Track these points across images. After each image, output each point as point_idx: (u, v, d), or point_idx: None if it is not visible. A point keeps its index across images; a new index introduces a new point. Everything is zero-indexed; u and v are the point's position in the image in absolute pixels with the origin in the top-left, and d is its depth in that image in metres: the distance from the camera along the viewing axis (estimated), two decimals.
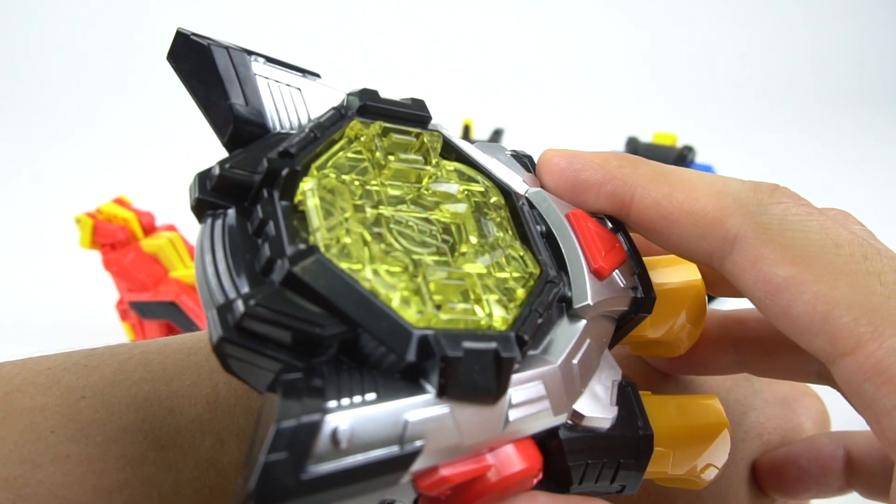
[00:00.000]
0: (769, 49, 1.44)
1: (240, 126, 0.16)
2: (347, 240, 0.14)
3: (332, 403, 0.12)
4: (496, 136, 0.66)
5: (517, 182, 0.19)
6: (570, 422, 0.16)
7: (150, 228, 0.53)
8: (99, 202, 0.54)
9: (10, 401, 0.17)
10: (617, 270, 0.18)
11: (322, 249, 0.14)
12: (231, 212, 0.15)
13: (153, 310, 0.51)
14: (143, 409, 0.18)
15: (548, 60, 1.37)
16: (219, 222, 0.14)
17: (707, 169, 0.60)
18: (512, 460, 0.15)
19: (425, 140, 0.18)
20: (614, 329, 0.18)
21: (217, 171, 0.15)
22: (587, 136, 1.03)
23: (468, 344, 0.14)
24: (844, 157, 1.11)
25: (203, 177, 0.15)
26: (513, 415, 0.15)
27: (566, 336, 0.17)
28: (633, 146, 0.62)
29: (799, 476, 0.24)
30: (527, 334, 0.15)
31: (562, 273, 0.17)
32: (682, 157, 0.60)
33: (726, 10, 1.47)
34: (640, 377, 0.24)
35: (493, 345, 0.14)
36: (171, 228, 0.54)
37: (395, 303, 0.14)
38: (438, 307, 0.15)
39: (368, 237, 0.15)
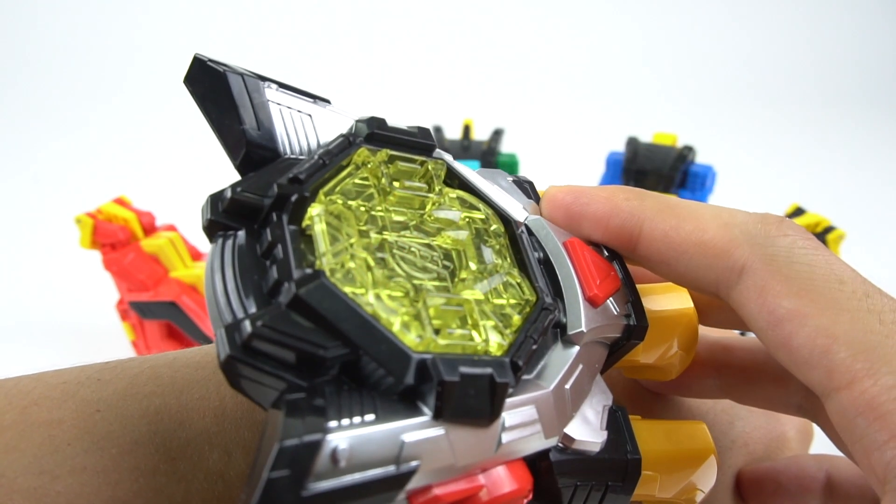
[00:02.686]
0: (769, 49, 1.44)
1: (252, 150, 0.17)
2: (352, 265, 0.15)
3: (333, 423, 0.13)
4: (496, 136, 0.66)
5: (517, 209, 0.20)
6: (560, 444, 0.17)
7: (150, 228, 0.53)
8: (99, 202, 0.54)
9: (28, 414, 0.18)
10: (611, 298, 0.18)
11: (327, 274, 0.14)
12: (241, 233, 0.15)
13: (153, 310, 0.51)
14: (155, 422, 0.18)
15: (548, 61, 1.37)
16: (229, 243, 0.15)
17: (707, 169, 0.60)
18: (503, 481, 0.15)
19: (429, 168, 0.18)
20: (607, 354, 0.19)
21: (229, 193, 0.15)
22: (587, 136, 1.03)
23: (464, 369, 0.14)
24: (844, 157, 1.11)
25: (215, 199, 0.15)
26: (505, 437, 0.15)
27: (559, 361, 0.17)
28: (633, 146, 0.62)
29: (777, 491, 0.24)
30: (521, 360, 0.15)
31: (557, 300, 0.18)
32: (682, 157, 0.60)
33: (726, 10, 1.47)
34: (628, 393, 0.24)
35: (488, 370, 0.14)
36: (171, 228, 0.54)
37: (396, 327, 0.15)
38: (437, 332, 0.15)
39: (372, 262, 0.16)
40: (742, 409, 0.26)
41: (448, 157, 0.19)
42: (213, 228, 0.15)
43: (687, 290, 0.21)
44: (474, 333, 0.16)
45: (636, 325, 0.19)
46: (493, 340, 0.16)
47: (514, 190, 0.21)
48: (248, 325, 0.13)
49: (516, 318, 0.17)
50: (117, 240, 0.51)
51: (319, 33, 1.33)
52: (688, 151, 0.60)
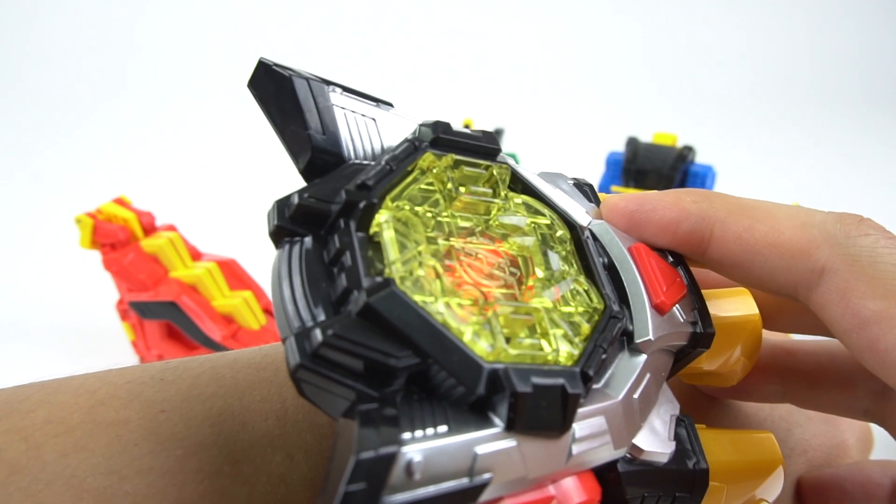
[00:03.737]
0: (769, 49, 1.44)
1: (316, 155, 0.17)
2: (420, 272, 0.15)
3: (407, 435, 0.13)
4: (496, 135, 0.66)
5: (580, 213, 0.19)
6: (629, 455, 0.17)
7: (150, 228, 0.53)
8: (99, 202, 0.54)
9: (96, 413, 0.18)
10: (678, 305, 0.18)
11: (397, 282, 0.14)
12: (308, 240, 0.15)
13: (153, 310, 0.51)
14: (218, 424, 0.18)
15: (548, 60, 1.37)
16: (296, 249, 0.15)
17: (707, 169, 0.60)
18: (573, 492, 0.15)
19: (494, 172, 0.18)
20: (672, 362, 0.19)
21: (296, 199, 0.15)
22: (587, 136, 1.03)
23: (536, 380, 0.14)
24: (845, 157, 1.11)
25: (282, 204, 0.15)
26: (576, 448, 0.15)
27: (627, 370, 0.17)
28: (633, 146, 0.62)
29: (842, 499, 0.24)
30: (591, 370, 0.15)
31: (623, 307, 0.18)
32: (682, 157, 0.60)
33: (726, 9, 1.47)
34: (686, 400, 0.24)
35: (560, 381, 0.14)
36: (171, 228, 0.54)
37: (467, 337, 0.14)
38: (507, 340, 0.15)
39: (440, 270, 0.15)
40: (801, 416, 0.26)
41: (512, 161, 0.19)
42: (279, 234, 0.15)
43: (751, 294, 0.21)
44: (544, 343, 0.16)
45: (703, 333, 0.18)
46: (564, 350, 0.16)
47: (575, 193, 0.20)
48: (318, 334, 0.13)
49: (585, 327, 0.16)
50: (117, 240, 0.51)
51: (317, 30, 1.33)
52: (688, 151, 0.60)
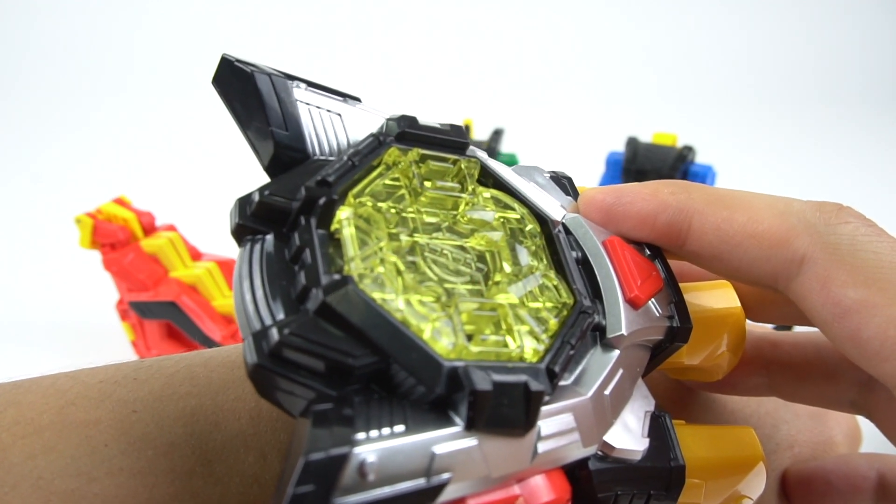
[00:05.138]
0: (769, 49, 1.44)
1: (280, 152, 0.16)
2: (381, 269, 0.15)
3: (361, 435, 0.13)
4: (496, 135, 0.66)
5: (554, 207, 0.19)
6: (600, 452, 0.16)
7: (150, 228, 0.53)
8: (99, 202, 0.54)
9: (66, 414, 0.18)
10: (653, 299, 0.18)
11: (356, 279, 0.14)
12: (269, 237, 0.15)
13: (153, 310, 0.51)
14: (191, 424, 0.18)
15: (548, 60, 1.37)
16: (257, 247, 0.15)
17: (707, 169, 0.60)
18: (540, 490, 0.15)
19: (462, 167, 0.18)
20: (649, 357, 0.18)
21: (257, 197, 0.15)
22: (587, 136, 1.03)
23: (498, 377, 0.14)
24: (844, 157, 1.11)
25: (243, 202, 0.15)
26: (542, 447, 0.15)
27: (599, 366, 0.17)
28: (633, 146, 0.62)
29: (826, 491, 0.23)
30: (557, 367, 0.15)
31: (596, 302, 0.17)
32: (682, 157, 0.60)
33: (726, 9, 1.47)
34: (670, 395, 0.24)
35: (522, 378, 0.14)
36: (171, 228, 0.54)
37: (427, 334, 0.14)
38: (470, 338, 0.15)
39: (402, 266, 0.15)
40: (787, 412, 0.25)
41: (482, 155, 0.19)
42: (241, 232, 0.15)
43: (732, 287, 0.21)
44: (508, 339, 0.15)
45: (679, 328, 0.18)
46: (529, 346, 0.15)
47: (551, 187, 0.20)
48: (275, 333, 0.13)
49: (553, 323, 0.16)
50: (117, 240, 0.51)
51: (317, 32, 1.33)
52: (688, 151, 0.60)
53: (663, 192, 0.18)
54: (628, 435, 0.17)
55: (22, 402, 0.18)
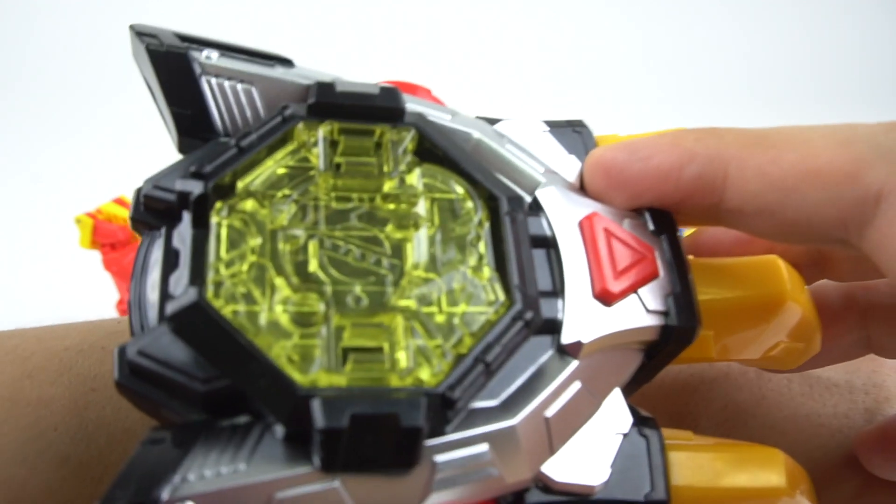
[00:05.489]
0: (769, 49, 1.44)
1: (184, 133, 0.15)
2: (246, 277, 0.13)
3: (178, 478, 0.11)
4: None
5: (527, 177, 0.16)
6: (540, 484, 0.14)
7: None
8: (99, 202, 0.54)
9: (19, 389, 0.17)
10: (640, 291, 0.15)
11: (210, 291, 0.12)
12: (162, 232, 0.14)
13: None
14: None
15: (547, 60, 1.37)
16: (144, 245, 0.14)
17: None
18: None
19: (388, 139, 0.15)
20: (640, 361, 0.15)
21: (142, 191, 0.14)
22: None
23: (358, 410, 0.11)
24: None
25: (137, 193, 0.14)
26: (438, 481, 0.12)
27: (544, 379, 0.14)
28: None
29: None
30: (459, 391, 0.12)
31: (558, 297, 0.14)
32: None
33: (726, 9, 1.47)
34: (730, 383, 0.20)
35: (393, 411, 0.12)
36: None
37: (284, 355, 0.12)
38: (346, 356, 0.13)
39: (273, 273, 0.13)
40: (888, 406, 0.21)
41: (432, 120, 0.16)
42: (137, 227, 0.14)
43: (781, 262, 0.17)
44: (399, 357, 0.13)
45: (677, 327, 0.15)
46: (427, 367, 0.13)
47: (547, 145, 0.17)
48: (130, 350, 0.12)
49: (468, 335, 0.13)
50: (117, 240, 0.51)
51: (312, 28, 1.33)
52: None
53: (687, 139, 0.15)
54: (579, 465, 0.14)
55: None
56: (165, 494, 0.11)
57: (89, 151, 0.95)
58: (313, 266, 0.14)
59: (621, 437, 0.14)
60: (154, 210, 0.14)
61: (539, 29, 1.42)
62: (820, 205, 0.13)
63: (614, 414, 0.15)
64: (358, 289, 0.14)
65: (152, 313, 0.13)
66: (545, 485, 0.14)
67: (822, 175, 0.13)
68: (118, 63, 1.25)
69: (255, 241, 0.13)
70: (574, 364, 0.14)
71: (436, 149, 0.15)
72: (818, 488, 0.16)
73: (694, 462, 0.15)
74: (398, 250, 0.14)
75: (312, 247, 0.14)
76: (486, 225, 0.15)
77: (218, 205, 0.14)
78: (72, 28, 1.23)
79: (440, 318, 0.14)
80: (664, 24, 1.46)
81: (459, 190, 0.15)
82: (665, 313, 0.15)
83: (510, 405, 0.13)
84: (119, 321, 0.19)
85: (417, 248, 0.14)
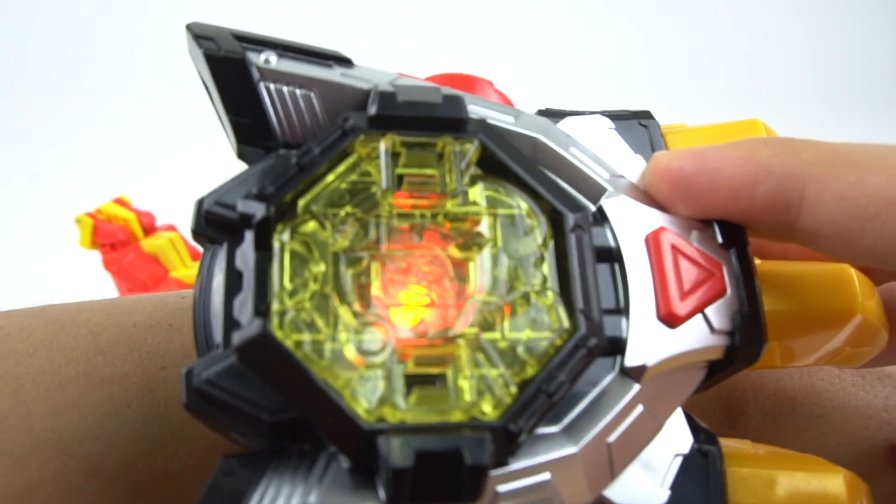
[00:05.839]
0: (769, 49, 1.44)
1: (244, 147, 0.14)
2: (310, 304, 0.13)
3: None
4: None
5: (593, 185, 0.15)
6: None
7: (150, 228, 0.53)
8: (99, 202, 0.54)
9: (93, 365, 0.17)
10: (708, 310, 0.14)
11: (275, 322, 0.12)
12: (224, 247, 0.13)
13: None
14: None
15: (546, 59, 1.37)
16: (207, 258, 0.14)
17: None
18: None
19: (450, 151, 0.14)
20: (703, 377, 0.15)
21: (203, 206, 0.13)
22: None
23: (424, 447, 0.11)
24: None
25: (199, 205, 0.13)
26: None
27: (607, 404, 0.13)
28: None
29: None
30: (521, 424, 0.12)
31: (622, 315, 0.14)
32: None
33: (726, 9, 1.47)
34: (754, 395, 0.20)
35: (455, 447, 0.11)
36: (171, 228, 0.54)
37: (349, 389, 0.12)
38: (410, 387, 0.12)
39: (336, 301, 0.13)
40: None
41: (495, 125, 0.15)
42: (198, 240, 0.14)
43: (854, 269, 0.16)
44: (464, 387, 0.13)
45: (741, 348, 0.14)
46: (489, 397, 0.13)
47: (612, 144, 0.16)
48: (195, 378, 0.12)
49: (531, 363, 0.13)
50: (117, 240, 0.51)
51: (313, 25, 1.33)
52: None
53: (762, 153, 0.14)
54: (640, 487, 0.14)
55: (53, 345, 0.17)
56: None
57: (89, 151, 0.95)
58: (375, 289, 0.13)
59: (681, 457, 0.14)
60: (215, 224, 0.13)
61: (540, 26, 1.42)
62: None
63: (675, 434, 0.14)
64: (420, 314, 0.13)
65: (217, 332, 0.13)
66: None
67: None
68: (118, 63, 1.25)
69: (318, 268, 0.13)
70: (637, 388, 0.13)
71: (499, 160, 0.15)
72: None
73: (753, 479, 0.14)
74: (461, 271, 0.14)
75: (374, 269, 0.13)
76: (550, 244, 0.14)
77: (280, 227, 0.13)
78: (72, 28, 1.23)
79: (503, 345, 0.13)
80: (662, 24, 1.46)
81: (523, 206, 0.15)
82: (731, 333, 0.14)
83: (572, 431, 0.13)
84: (182, 296, 0.19)
85: (480, 269, 0.14)
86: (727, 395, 0.19)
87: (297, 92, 0.15)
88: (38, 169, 0.89)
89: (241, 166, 0.15)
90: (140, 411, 0.16)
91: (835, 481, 0.15)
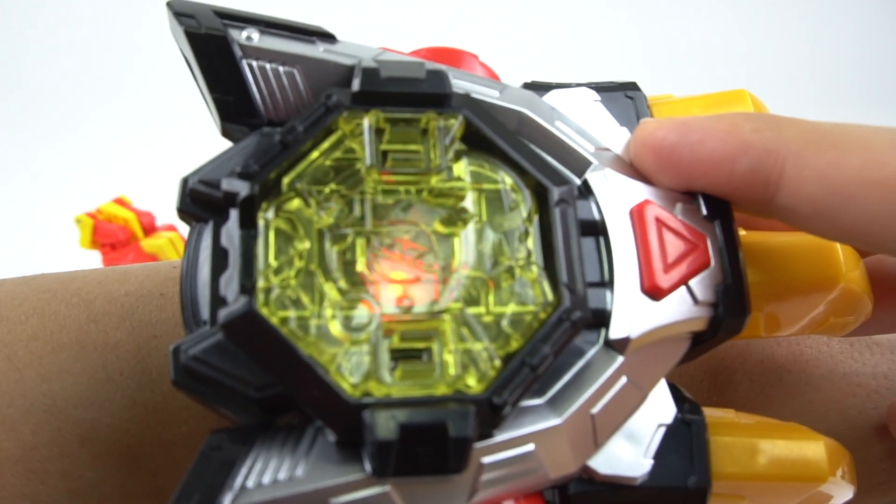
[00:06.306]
0: (769, 49, 1.44)
1: (228, 125, 0.14)
2: (295, 281, 0.13)
3: (238, 485, 0.12)
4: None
5: (578, 158, 0.15)
6: (584, 476, 0.14)
7: (150, 228, 0.53)
8: (99, 202, 0.54)
9: (86, 333, 0.17)
10: (691, 282, 0.14)
11: (260, 298, 0.12)
12: (210, 225, 0.13)
13: None
14: None
15: (546, 60, 1.37)
16: (193, 236, 0.14)
17: None
18: None
19: (434, 126, 0.14)
20: (688, 347, 0.15)
21: (188, 184, 0.13)
22: None
23: (409, 420, 0.12)
24: None
25: (183, 184, 0.14)
26: (485, 481, 0.13)
27: (591, 375, 0.14)
28: None
29: None
30: (505, 396, 0.12)
31: (606, 289, 0.14)
32: None
33: (726, 9, 1.47)
34: (742, 365, 0.20)
35: (441, 420, 0.12)
36: (171, 228, 0.54)
37: (334, 364, 0.12)
38: (395, 362, 0.13)
39: (321, 278, 0.13)
40: None
41: (479, 99, 0.15)
42: (185, 217, 0.14)
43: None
44: (448, 361, 0.13)
45: (725, 319, 0.14)
46: (474, 371, 0.13)
47: (597, 116, 0.16)
48: (182, 355, 0.12)
49: (516, 336, 0.13)
50: (117, 240, 0.51)
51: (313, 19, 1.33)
52: None
53: (744, 128, 0.14)
54: (622, 458, 0.14)
55: (45, 312, 0.17)
56: (226, 502, 0.11)
57: (89, 151, 0.95)
58: (360, 265, 0.13)
59: (664, 427, 0.14)
60: (200, 202, 0.13)
61: (539, 25, 1.43)
62: (880, 216, 0.13)
63: (658, 404, 0.14)
64: (405, 289, 0.13)
65: (204, 308, 0.13)
66: (589, 477, 0.14)
67: (886, 185, 0.13)
68: (118, 62, 1.25)
69: (303, 245, 0.13)
70: (620, 360, 0.14)
71: (484, 135, 0.15)
72: (849, 449, 0.16)
73: (736, 448, 0.15)
74: (445, 247, 0.14)
75: (360, 245, 0.14)
76: (535, 218, 0.14)
77: (264, 205, 0.13)
78: (72, 28, 1.23)
79: (487, 319, 0.13)
80: (665, 25, 1.46)
81: (508, 180, 0.15)
82: (715, 304, 0.14)
83: (556, 403, 0.13)
84: (174, 266, 0.19)
85: (465, 244, 0.14)
86: (715, 364, 0.19)
87: (280, 69, 0.14)
88: (38, 169, 0.89)
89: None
90: (132, 378, 0.16)
91: (816, 448, 0.15)
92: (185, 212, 0.14)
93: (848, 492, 0.16)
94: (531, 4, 1.41)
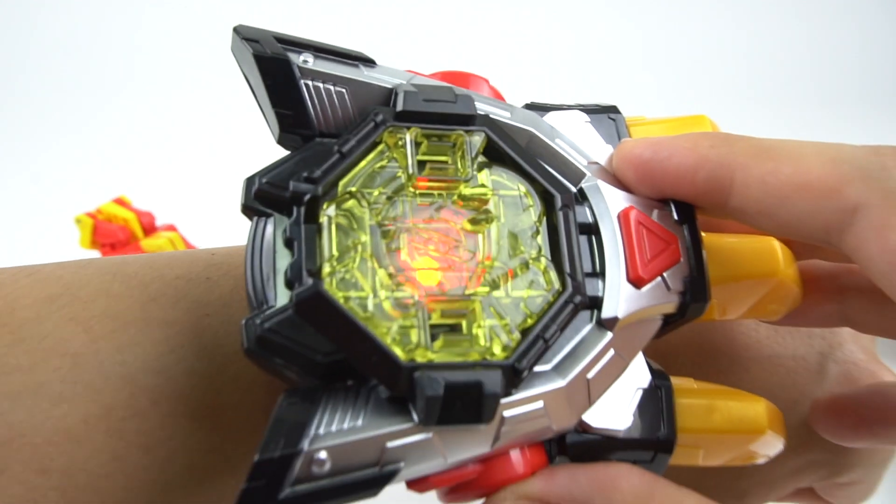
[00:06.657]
0: (769, 49, 1.44)
1: (285, 135, 0.17)
2: (355, 267, 0.16)
3: (314, 432, 0.14)
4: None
5: (576, 171, 0.19)
6: (579, 429, 0.17)
7: (150, 228, 0.53)
8: (99, 202, 0.54)
9: (148, 311, 0.19)
10: (665, 274, 0.18)
11: (326, 281, 0.15)
12: (273, 220, 0.16)
13: None
14: None
15: (546, 60, 1.37)
16: (260, 228, 0.16)
17: None
18: (514, 465, 0.16)
19: (463, 142, 0.18)
20: (659, 327, 0.18)
21: (255, 184, 0.16)
22: None
23: (451, 379, 0.14)
24: None
25: (248, 183, 0.16)
26: (505, 431, 0.16)
27: (586, 347, 0.17)
28: None
29: (858, 424, 0.22)
30: (524, 363, 0.16)
31: (599, 278, 0.17)
32: None
33: (726, 9, 1.47)
34: (699, 347, 0.24)
35: (477, 379, 0.15)
36: (171, 228, 0.54)
37: (389, 335, 0.15)
38: (435, 336, 0.16)
39: (375, 264, 0.16)
40: (839, 352, 0.25)
41: (498, 124, 0.18)
42: (248, 212, 0.16)
43: (778, 242, 0.20)
44: (479, 334, 0.16)
45: (691, 304, 0.18)
46: (497, 342, 0.16)
47: (588, 135, 0.19)
48: (257, 327, 0.14)
49: (531, 315, 0.16)
50: (117, 240, 0.51)
51: (314, 30, 1.33)
52: None
53: (703, 145, 0.17)
54: (610, 413, 0.17)
55: (109, 293, 0.19)
56: (305, 446, 0.14)
57: (89, 151, 0.95)
58: (404, 255, 0.16)
59: (641, 390, 0.18)
60: (263, 200, 0.16)
61: (540, 25, 1.43)
62: (808, 213, 0.16)
63: (637, 372, 0.18)
64: (442, 276, 0.16)
65: (269, 291, 0.15)
66: (583, 429, 0.17)
67: (811, 188, 0.16)
68: (118, 63, 1.25)
69: (363, 238, 0.16)
70: (609, 335, 0.17)
71: (501, 150, 0.18)
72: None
73: (696, 407, 0.19)
74: (472, 242, 0.17)
75: (403, 239, 0.16)
76: (544, 219, 0.18)
77: (326, 205, 0.16)
78: (72, 28, 1.23)
79: (507, 301, 0.16)
80: (665, 26, 1.46)
81: (522, 188, 0.18)
82: (683, 293, 0.18)
83: (560, 369, 0.16)
84: (213, 253, 0.22)
85: (488, 240, 0.17)
86: (663, 348, 0.22)
87: (333, 88, 0.17)
88: (38, 169, 0.89)
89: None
90: (191, 350, 0.19)
91: (758, 408, 0.19)
92: (249, 207, 0.16)
93: (779, 443, 0.20)
94: (523, 23, 1.41)
